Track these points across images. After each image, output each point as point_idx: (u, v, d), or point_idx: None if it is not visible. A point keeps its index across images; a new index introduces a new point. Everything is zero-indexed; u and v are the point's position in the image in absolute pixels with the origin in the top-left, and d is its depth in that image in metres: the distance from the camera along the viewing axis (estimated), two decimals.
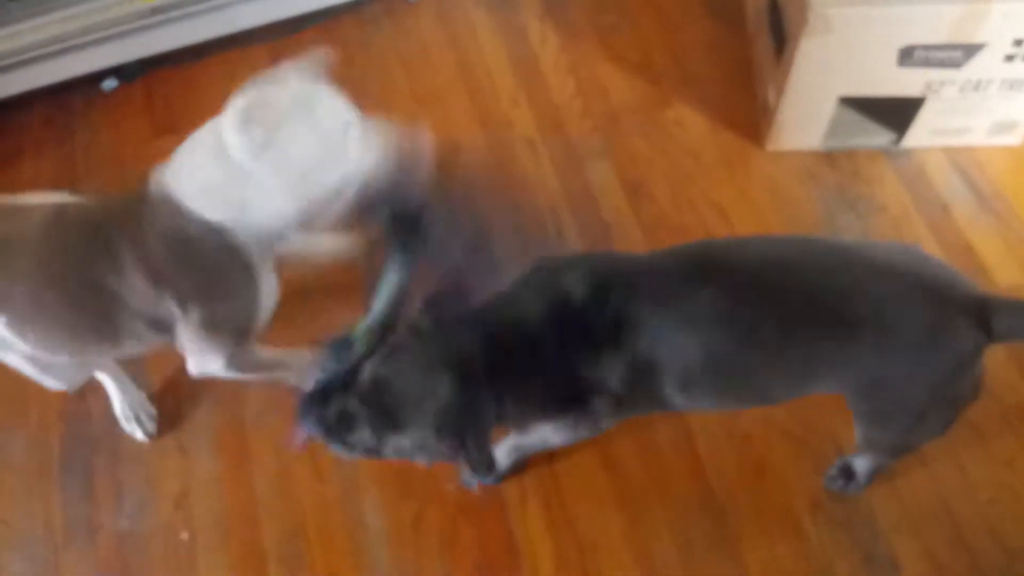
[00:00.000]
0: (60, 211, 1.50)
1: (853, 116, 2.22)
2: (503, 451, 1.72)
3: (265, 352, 1.71)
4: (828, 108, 2.13)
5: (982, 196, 2.14)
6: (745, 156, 2.25)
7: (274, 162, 1.30)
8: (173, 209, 1.40)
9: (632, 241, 2.13)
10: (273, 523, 1.85)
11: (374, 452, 1.34)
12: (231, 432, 1.94)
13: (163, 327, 1.51)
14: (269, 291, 1.55)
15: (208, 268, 1.44)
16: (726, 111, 2.32)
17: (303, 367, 1.77)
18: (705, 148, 2.27)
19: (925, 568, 1.69)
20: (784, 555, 1.72)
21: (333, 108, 1.33)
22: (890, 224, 2.13)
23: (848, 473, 1.74)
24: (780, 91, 2.12)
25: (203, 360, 1.56)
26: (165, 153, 2.39)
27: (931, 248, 2.07)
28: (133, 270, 1.41)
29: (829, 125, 2.17)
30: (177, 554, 1.83)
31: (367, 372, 1.31)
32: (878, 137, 2.23)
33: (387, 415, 1.29)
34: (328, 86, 1.37)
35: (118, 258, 1.41)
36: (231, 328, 1.53)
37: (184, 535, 1.84)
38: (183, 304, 1.46)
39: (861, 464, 1.71)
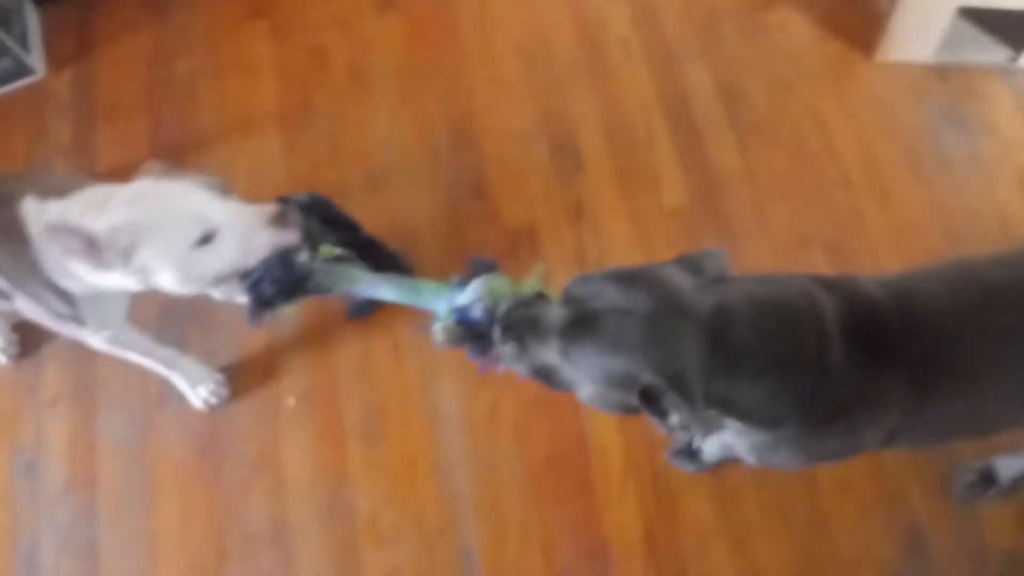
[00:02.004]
0: None
1: (970, 29, 2.10)
2: (714, 445, 1.64)
3: (144, 341, 1.81)
4: (945, 18, 2.00)
5: None
6: (850, 65, 2.15)
7: (129, 267, 1.36)
8: (17, 233, 1.42)
9: (723, 147, 2.08)
10: (353, 403, 1.92)
11: (548, 372, 1.16)
12: (318, 314, 2.01)
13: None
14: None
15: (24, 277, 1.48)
16: (833, 16, 2.21)
17: (193, 377, 1.91)
18: (808, 55, 2.17)
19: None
20: (858, 474, 1.72)
21: (183, 231, 1.35)
22: (999, 147, 2.03)
23: (989, 479, 1.66)
24: None
25: (64, 329, 1.62)
26: (258, 37, 2.45)
27: None
28: None
29: (944, 37, 2.05)
30: (263, 425, 1.92)
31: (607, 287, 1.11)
32: (995, 53, 2.10)
33: (593, 331, 1.08)
34: (191, 193, 1.40)
35: None
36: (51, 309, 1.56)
37: (282, 403, 1.94)
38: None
39: (1012, 467, 1.63)
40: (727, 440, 1.32)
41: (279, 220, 1.37)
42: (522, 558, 1.75)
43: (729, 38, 2.22)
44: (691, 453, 1.74)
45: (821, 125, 2.08)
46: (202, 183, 1.43)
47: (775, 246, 1.96)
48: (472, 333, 1.24)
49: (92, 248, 1.33)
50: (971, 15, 2.05)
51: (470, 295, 1.25)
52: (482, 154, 2.15)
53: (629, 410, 1.12)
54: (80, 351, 1.71)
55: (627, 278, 1.11)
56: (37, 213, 1.42)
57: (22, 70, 2.40)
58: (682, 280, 1.11)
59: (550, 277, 1.31)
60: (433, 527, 1.79)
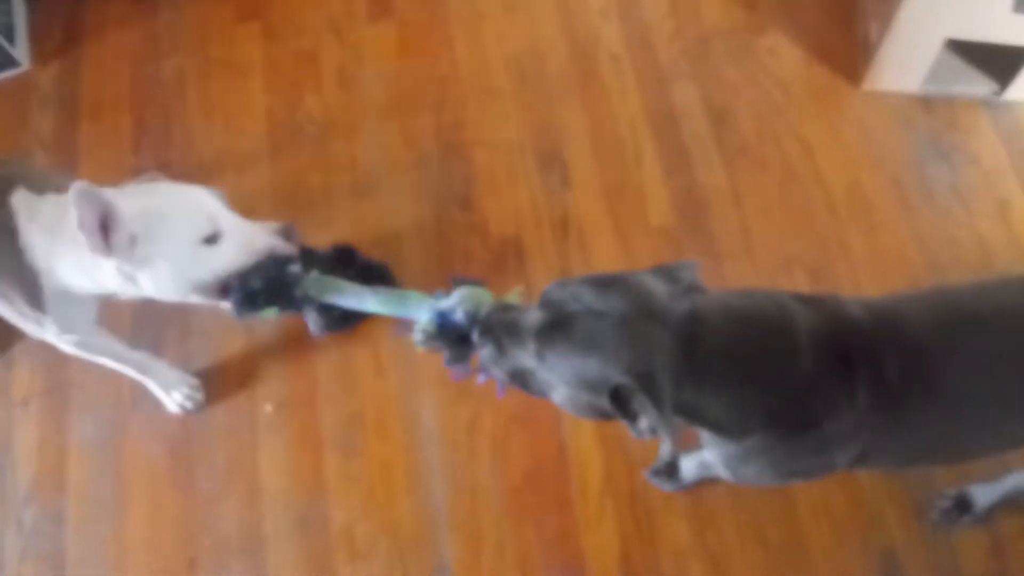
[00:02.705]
0: None
1: (956, 61, 2.13)
2: (692, 463, 1.65)
3: (115, 345, 1.78)
4: (932, 50, 2.03)
5: None
6: (838, 93, 2.17)
7: (131, 256, 1.34)
8: (6, 224, 1.40)
9: (710, 168, 2.08)
10: (331, 412, 1.90)
11: (524, 375, 1.16)
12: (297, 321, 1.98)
13: None
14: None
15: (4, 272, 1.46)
16: (823, 44, 2.23)
17: (167, 381, 1.88)
18: (797, 80, 2.19)
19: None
20: (835, 497, 1.73)
21: (192, 226, 1.35)
22: (981, 178, 2.05)
23: (964, 505, 1.67)
24: (884, 27, 2.02)
25: (26, 327, 1.59)
26: (248, 38, 2.43)
27: (1019, 208, 2.01)
28: None
29: (931, 68, 2.08)
30: (238, 431, 1.89)
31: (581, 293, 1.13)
32: (980, 86, 2.13)
33: (567, 332, 1.09)
34: (201, 200, 1.40)
35: None
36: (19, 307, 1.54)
37: (259, 410, 1.91)
38: None
39: (988, 494, 1.64)
40: (705, 458, 1.34)
41: (282, 234, 1.39)
42: (497, 573, 1.73)
43: (720, 60, 2.23)
44: (670, 472, 1.74)
45: (808, 150, 2.10)
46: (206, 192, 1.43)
47: (759, 268, 1.97)
48: (451, 336, 1.25)
49: (108, 224, 1.29)
50: (958, 48, 2.08)
51: (452, 301, 1.26)
52: (471, 165, 2.15)
53: (603, 414, 1.13)
54: (53, 351, 1.68)
55: (604, 283, 1.12)
56: (29, 204, 1.40)
57: (7, 62, 2.36)
58: (657, 287, 1.12)
59: (534, 290, 1.31)
60: (408, 540, 1.77)
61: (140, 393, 1.92)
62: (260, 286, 1.36)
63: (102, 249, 1.30)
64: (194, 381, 1.93)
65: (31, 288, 1.46)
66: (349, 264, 1.47)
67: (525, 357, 1.13)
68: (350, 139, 2.21)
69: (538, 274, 1.99)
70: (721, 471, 1.30)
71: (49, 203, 1.41)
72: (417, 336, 1.28)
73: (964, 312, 1.20)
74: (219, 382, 1.95)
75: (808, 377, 1.11)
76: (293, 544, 1.79)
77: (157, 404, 1.91)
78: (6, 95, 2.36)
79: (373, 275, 1.47)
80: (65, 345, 1.66)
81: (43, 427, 1.95)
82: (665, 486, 1.75)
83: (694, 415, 1.12)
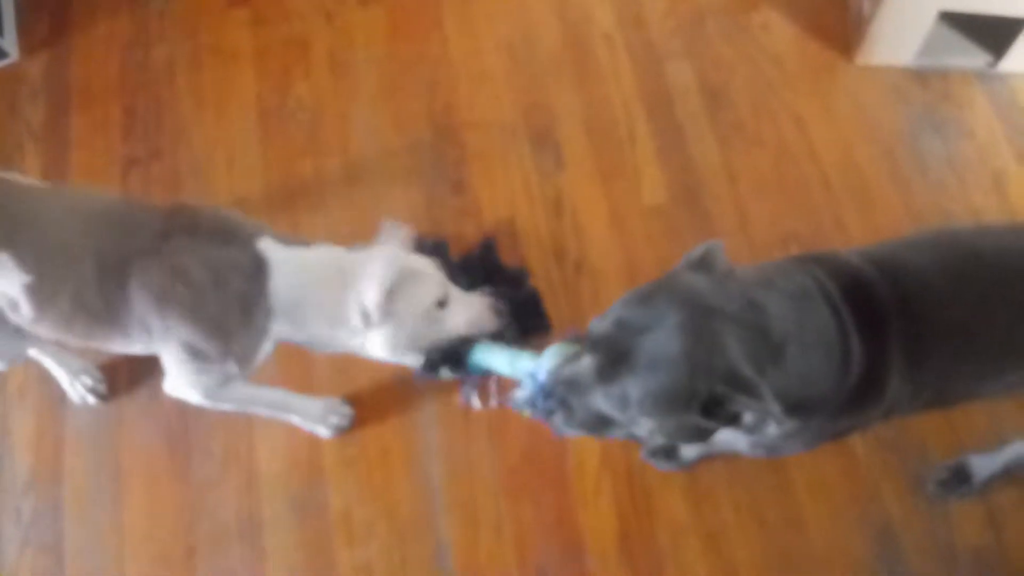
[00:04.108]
0: (124, 207, 1.55)
1: (950, 33, 2.11)
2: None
3: (250, 390, 1.69)
4: (926, 22, 2.02)
5: None
6: (831, 68, 2.16)
7: (384, 326, 1.43)
8: (255, 269, 1.43)
9: (705, 147, 2.08)
10: (328, 394, 1.88)
11: (605, 424, 1.11)
12: None
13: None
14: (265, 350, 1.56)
15: (229, 314, 1.45)
16: (816, 18, 2.22)
17: (312, 415, 1.83)
18: (790, 56, 2.18)
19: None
20: (831, 473, 1.73)
21: (433, 288, 1.45)
22: (975, 151, 2.04)
23: (963, 476, 1.66)
24: (877, 0, 2.01)
25: (177, 383, 1.57)
26: (238, 24, 2.42)
27: (1014, 180, 2.00)
28: (143, 284, 1.43)
29: (924, 41, 2.07)
30: (234, 417, 1.88)
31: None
32: (974, 58, 2.12)
33: (628, 365, 1.04)
34: (430, 265, 1.49)
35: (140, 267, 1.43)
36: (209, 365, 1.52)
37: None
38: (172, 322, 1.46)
39: (986, 465, 1.64)
40: (719, 437, 1.25)
41: (494, 308, 1.49)
42: (496, 554, 1.73)
43: (713, 38, 2.22)
44: (667, 452, 1.73)
45: (802, 126, 2.09)
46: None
47: (754, 245, 1.97)
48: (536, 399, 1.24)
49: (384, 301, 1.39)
50: (952, 20, 2.06)
51: (540, 363, 1.26)
52: (463, 148, 2.14)
53: (699, 432, 1.07)
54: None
55: (643, 297, 1.07)
56: (283, 253, 1.45)
57: None
58: (697, 281, 1.08)
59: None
60: (406, 523, 1.78)
61: (136, 383, 1.91)
62: (441, 359, 1.47)
63: (387, 307, 1.39)
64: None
65: (249, 333, 1.47)
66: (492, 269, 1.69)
67: (596, 407, 1.08)
68: (341, 124, 2.20)
69: (532, 257, 1.98)
70: (745, 448, 1.27)
71: (310, 254, 1.47)
72: (515, 404, 1.29)
73: (967, 250, 1.21)
74: None
75: (855, 340, 1.10)
76: (292, 529, 1.79)
77: (153, 394, 1.90)
78: None
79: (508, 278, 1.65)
80: (209, 396, 1.59)
81: (40, 417, 1.95)
82: (662, 465, 1.75)
83: (781, 400, 1.04)
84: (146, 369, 1.87)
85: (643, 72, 2.18)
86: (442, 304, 1.45)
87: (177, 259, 1.42)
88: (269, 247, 1.45)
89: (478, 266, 1.83)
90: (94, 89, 2.32)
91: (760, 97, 2.13)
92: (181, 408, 1.89)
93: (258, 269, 1.43)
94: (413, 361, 1.50)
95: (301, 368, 1.91)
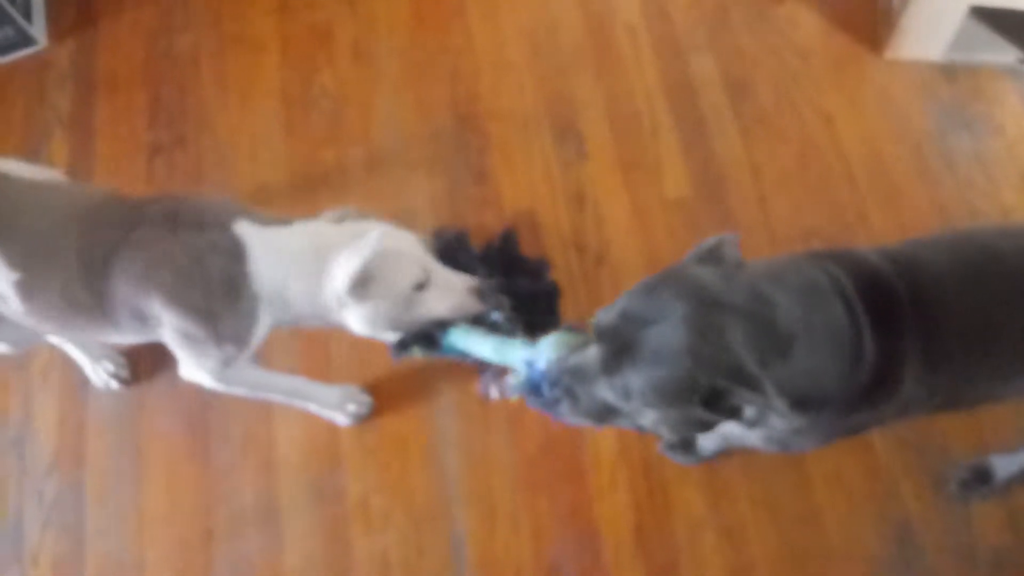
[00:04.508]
0: (104, 200, 1.54)
1: (981, 29, 2.08)
2: (712, 437, 1.61)
3: (263, 375, 1.74)
4: (957, 17, 1.99)
5: None
6: (858, 62, 2.13)
7: (359, 307, 1.44)
8: (234, 251, 1.44)
9: (728, 139, 2.06)
10: (346, 383, 1.89)
11: (609, 414, 1.12)
12: None
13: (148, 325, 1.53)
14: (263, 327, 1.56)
15: (213, 298, 1.46)
16: (843, 12, 2.19)
17: (331, 403, 1.82)
18: (816, 50, 2.15)
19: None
20: (850, 469, 1.72)
21: (411, 271, 1.43)
22: (1005, 148, 2.01)
23: (983, 476, 1.65)
24: None
25: (187, 367, 1.60)
26: (262, 13, 2.43)
27: None
28: (126, 274, 1.44)
29: (955, 36, 2.04)
30: (254, 403, 1.89)
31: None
32: (1004, 54, 2.09)
33: (632, 356, 1.05)
34: (414, 244, 1.49)
35: (121, 256, 1.44)
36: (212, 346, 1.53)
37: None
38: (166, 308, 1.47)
39: (1008, 465, 1.62)
40: (729, 431, 1.27)
41: (477, 292, 1.46)
42: (512, 545, 1.74)
43: (737, 30, 2.20)
44: (684, 445, 1.73)
45: (827, 121, 2.07)
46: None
47: (776, 240, 1.95)
48: (537, 387, 1.24)
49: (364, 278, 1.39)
50: (983, 15, 2.03)
51: (538, 351, 1.26)
52: (485, 138, 2.13)
53: (703, 424, 1.07)
54: None
55: (649, 288, 1.07)
56: (259, 234, 1.45)
57: (24, 40, 2.37)
58: (704, 273, 1.07)
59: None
60: (423, 512, 1.78)
61: (157, 368, 1.93)
62: (413, 338, 1.47)
63: (360, 290, 1.39)
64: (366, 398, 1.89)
65: (236, 315, 1.47)
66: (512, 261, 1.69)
67: (601, 396, 1.09)
68: (364, 113, 2.20)
69: (553, 248, 1.98)
70: (759, 443, 1.26)
71: (288, 234, 1.46)
72: (511, 390, 1.31)
73: (984, 251, 1.19)
74: None
75: (868, 337, 1.09)
76: (309, 515, 1.80)
77: (174, 378, 1.91)
78: (24, 73, 2.37)
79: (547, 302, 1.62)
80: (219, 379, 1.62)
81: (63, 401, 1.97)
82: (680, 459, 1.74)
83: (785, 395, 1.04)
84: (167, 355, 1.87)
85: (666, 64, 2.17)
86: (422, 286, 1.43)
87: (157, 247, 1.42)
88: (245, 229, 1.45)
89: (498, 257, 1.82)
90: (120, 77, 2.34)
91: (784, 90, 2.11)
92: (201, 394, 1.90)
93: (237, 251, 1.43)
94: (392, 338, 1.50)
95: (319, 355, 1.93)
